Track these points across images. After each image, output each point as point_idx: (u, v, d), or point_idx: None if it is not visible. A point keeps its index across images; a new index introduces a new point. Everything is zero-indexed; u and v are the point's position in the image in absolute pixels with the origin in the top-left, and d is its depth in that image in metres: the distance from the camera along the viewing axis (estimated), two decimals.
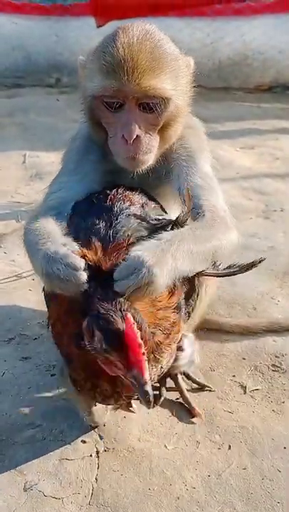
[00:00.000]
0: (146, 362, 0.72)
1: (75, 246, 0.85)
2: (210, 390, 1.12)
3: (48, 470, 0.96)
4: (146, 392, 0.71)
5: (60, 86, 4.11)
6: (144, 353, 0.71)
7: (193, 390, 1.13)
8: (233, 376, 1.20)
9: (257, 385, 1.17)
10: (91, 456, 0.99)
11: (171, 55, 0.96)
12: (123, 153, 0.95)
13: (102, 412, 1.06)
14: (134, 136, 0.93)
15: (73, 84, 3.99)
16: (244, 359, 1.25)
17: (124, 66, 0.90)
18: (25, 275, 1.59)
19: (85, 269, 0.79)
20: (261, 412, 1.10)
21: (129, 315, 0.72)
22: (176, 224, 0.91)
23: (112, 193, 0.95)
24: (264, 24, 3.96)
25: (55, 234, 0.89)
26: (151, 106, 0.94)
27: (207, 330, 1.33)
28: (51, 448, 1.01)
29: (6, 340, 1.31)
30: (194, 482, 0.94)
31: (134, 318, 0.73)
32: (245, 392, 1.15)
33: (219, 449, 1.01)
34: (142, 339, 0.72)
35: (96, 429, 1.05)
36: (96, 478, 0.95)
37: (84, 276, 0.79)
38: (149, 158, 0.97)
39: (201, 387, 1.14)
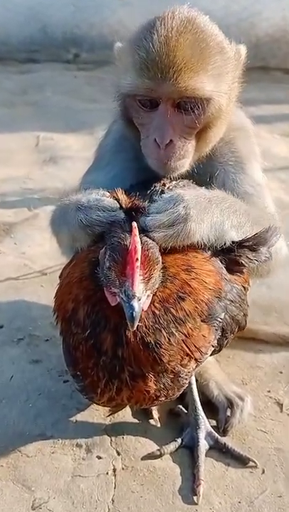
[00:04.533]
0: (143, 280, 0.75)
1: (104, 191, 0.90)
2: (255, 466, 1.00)
3: (59, 487, 0.96)
4: (132, 307, 0.73)
5: (78, 62, 4.11)
6: (140, 269, 0.75)
7: (234, 465, 1.01)
8: (268, 391, 1.18)
9: None
10: (107, 473, 0.98)
11: (215, 48, 0.93)
12: (154, 158, 0.94)
13: None
14: (167, 141, 0.92)
15: (93, 61, 4.01)
16: (281, 373, 1.23)
17: (159, 63, 0.88)
18: (37, 269, 1.60)
19: (120, 209, 0.85)
20: None
21: (134, 225, 0.75)
22: None
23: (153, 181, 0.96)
24: None
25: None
26: (189, 107, 0.91)
27: (239, 338, 1.31)
28: (63, 463, 1.00)
29: (14, 341, 1.31)
30: (223, 509, 0.93)
31: (142, 240, 0.77)
32: (281, 410, 1.13)
33: (251, 472, 0.99)
34: (145, 258, 0.76)
35: (113, 444, 1.04)
36: (112, 499, 0.94)
37: (122, 215, 0.84)
38: (182, 165, 0.95)
39: (243, 461, 1.01)
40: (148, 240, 0.79)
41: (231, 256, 0.89)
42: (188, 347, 0.83)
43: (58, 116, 2.96)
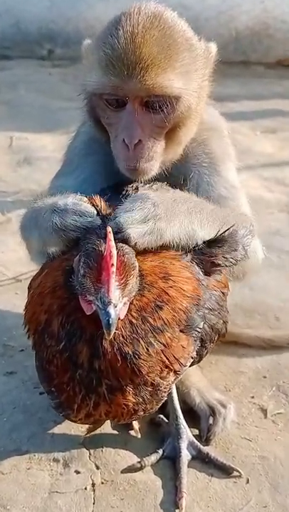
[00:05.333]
0: (119, 286, 0.75)
1: (81, 196, 0.89)
2: (239, 476, 1.00)
3: (35, 505, 0.94)
4: (108, 314, 0.72)
5: (53, 58, 4.10)
6: (116, 275, 0.74)
7: (217, 475, 1.00)
8: (252, 397, 1.18)
9: (280, 408, 1.15)
10: (86, 489, 0.97)
11: (183, 44, 0.93)
12: (123, 159, 0.94)
13: None
14: (136, 141, 0.91)
15: (68, 57, 4.00)
16: (265, 377, 1.23)
17: (125, 60, 0.88)
18: (11, 276, 1.58)
19: (97, 215, 0.85)
20: (284, 440, 1.08)
21: (109, 229, 0.75)
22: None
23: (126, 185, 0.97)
24: None
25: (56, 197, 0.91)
26: (158, 105, 0.91)
27: (222, 343, 1.31)
28: (39, 479, 0.99)
29: None
30: None
31: (118, 245, 0.76)
32: (265, 416, 1.13)
33: (235, 482, 0.99)
34: (121, 263, 0.75)
35: (92, 458, 1.03)
36: None
37: (98, 222, 0.83)
38: (152, 167, 0.95)
39: (227, 471, 1.00)
40: (123, 245, 0.78)
41: (207, 258, 0.89)
42: (167, 358, 0.82)
43: (32, 116, 2.95)
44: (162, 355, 0.82)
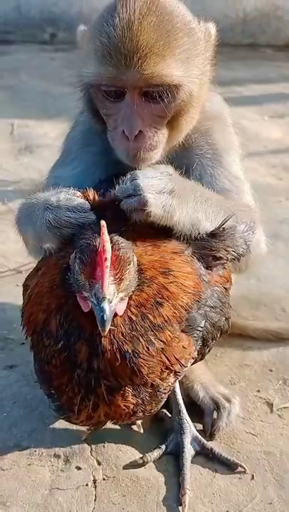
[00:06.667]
0: (114, 281, 0.74)
1: (74, 190, 0.89)
2: (244, 472, 0.99)
3: (35, 502, 0.94)
4: (102, 309, 0.72)
5: (55, 42, 4.08)
6: (111, 269, 0.74)
7: (221, 471, 1.00)
8: (258, 391, 1.18)
9: (286, 402, 1.15)
10: (87, 485, 0.97)
11: (182, 29, 0.91)
12: (123, 150, 0.93)
13: None
14: (136, 132, 0.90)
15: (71, 41, 3.95)
16: (271, 371, 1.23)
17: (122, 50, 0.86)
18: (11, 267, 1.58)
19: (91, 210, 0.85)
20: None
21: (103, 223, 0.75)
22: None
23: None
24: None
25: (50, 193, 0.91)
26: (158, 95, 0.89)
27: (227, 335, 1.31)
28: (40, 475, 0.99)
29: None
30: None
31: (113, 239, 0.76)
32: (271, 411, 1.13)
33: (240, 478, 0.99)
34: (116, 258, 0.75)
35: (94, 453, 1.03)
36: None
37: (93, 217, 0.83)
38: (153, 156, 0.94)
39: (231, 467, 1.00)
40: (119, 239, 0.78)
41: (208, 252, 0.88)
42: (167, 358, 0.81)
43: (34, 102, 2.94)
44: (162, 356, 0.81)
